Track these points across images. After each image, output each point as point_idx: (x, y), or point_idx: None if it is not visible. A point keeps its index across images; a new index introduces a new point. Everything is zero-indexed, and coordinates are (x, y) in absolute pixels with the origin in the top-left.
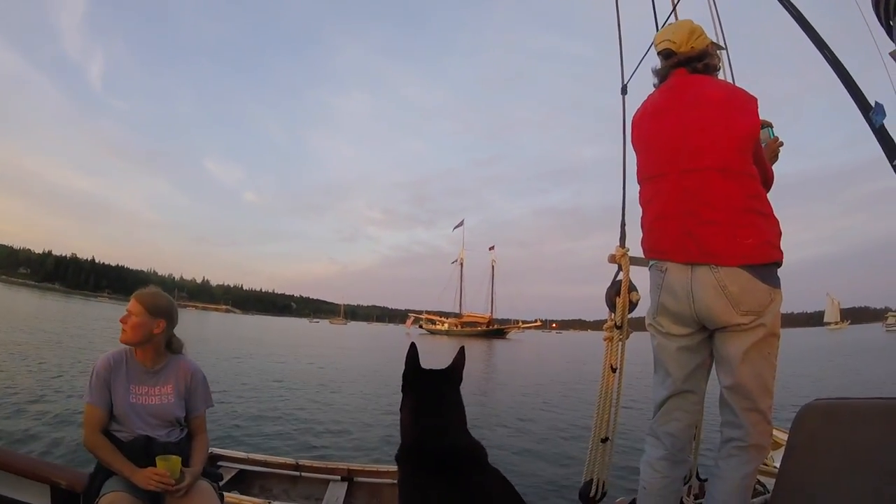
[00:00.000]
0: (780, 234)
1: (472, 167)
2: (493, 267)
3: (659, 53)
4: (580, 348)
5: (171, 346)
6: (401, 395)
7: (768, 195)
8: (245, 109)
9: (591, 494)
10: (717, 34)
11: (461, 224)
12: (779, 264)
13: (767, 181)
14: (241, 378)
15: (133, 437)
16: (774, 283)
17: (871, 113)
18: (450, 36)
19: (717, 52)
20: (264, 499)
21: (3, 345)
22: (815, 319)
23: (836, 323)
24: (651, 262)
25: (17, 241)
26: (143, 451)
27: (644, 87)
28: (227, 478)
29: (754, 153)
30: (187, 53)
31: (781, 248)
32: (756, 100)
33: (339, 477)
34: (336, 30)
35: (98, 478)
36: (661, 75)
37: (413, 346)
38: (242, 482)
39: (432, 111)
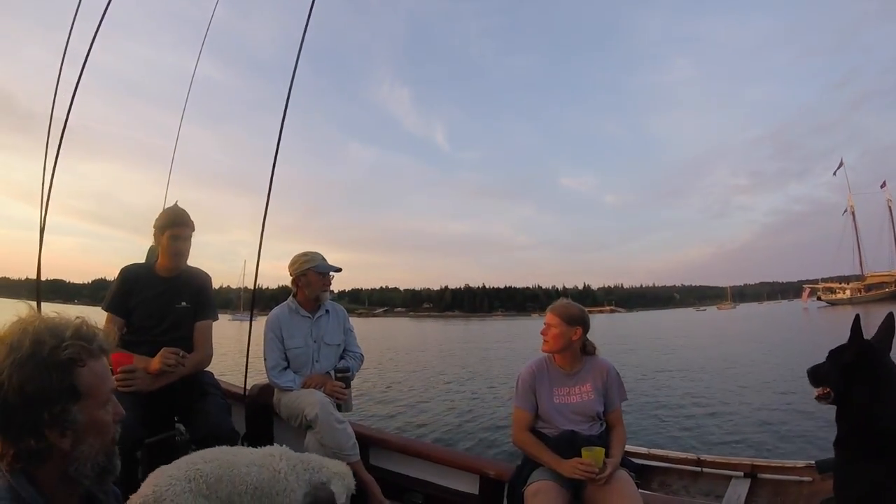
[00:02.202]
0: None
1: (830, 92)
2: (890, 208)
3: None
4: None
5: (586, 348)
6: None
7: None
8: (578, 121)
9: None
10: None
11: (841, 165)
12: None
13: None
14: (633, 373)
15: (559, 432)
16: None
17: None
18: None
19: None
20: (664, 493)
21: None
22: None
23: None
24: None
25: (418, 284)
26: (569, 445)
27: None
28: None
29: None
30: (506, 95)
31: None
32: None
33: (741, 473)
34: (628, 6)
35: (525, 469)
36: None
37: (857, 320)
38: (643, 477)
39: (762, 46)
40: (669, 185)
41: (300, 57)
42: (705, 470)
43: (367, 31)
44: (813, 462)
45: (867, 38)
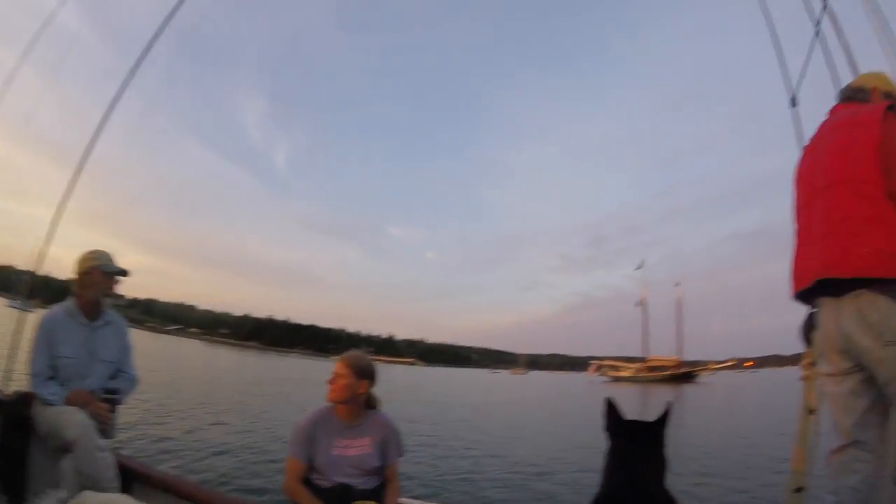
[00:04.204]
0: None
1: (648, 200)
2: (679, 305)
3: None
4: (777, 388)
5: (370, 402)
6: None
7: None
8: (419, 175)
9: None
10: (876, 14)
11: (642, 264)
12: None
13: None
14: (419, 427)
15: (332, 485)
16: None
17: None
18: (606, 69)
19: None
20: None
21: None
22: None
23: None
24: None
25: (219, 306)
26: (341, 499)
27: (814, 95)
28: None
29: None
30: (361, 132)
31: None
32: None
33: None
34: (492, 88)
35: None
36: None
37: (610, 401)
38: None
39: (599, 149)
40: (488, 253)
41: (164, 30)
42: None
43: (244, 26)
44: None
45: (691, 163)
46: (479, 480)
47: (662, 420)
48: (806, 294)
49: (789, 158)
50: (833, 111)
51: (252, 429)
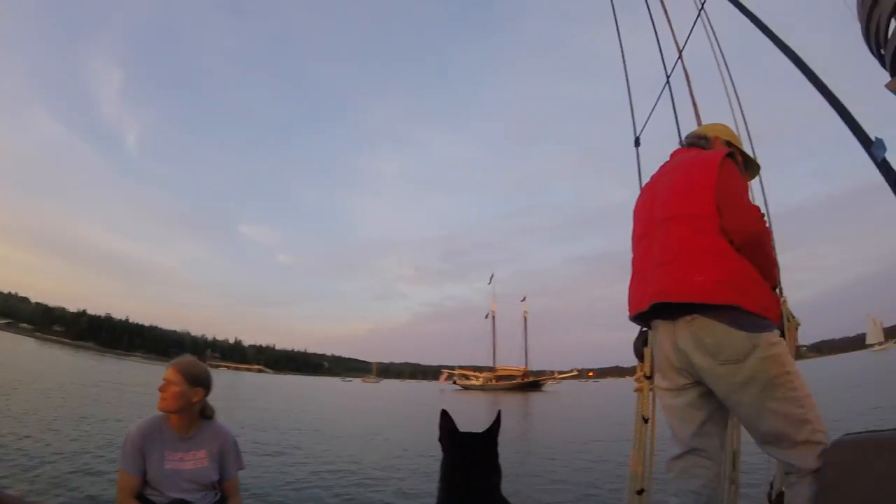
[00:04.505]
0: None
1: (502, 219)
2: (525, 318)
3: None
4: (617, 397)
5: (205, 412)
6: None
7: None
8: (279, 174)
9: None
10: (722, 75)
11: (492, 277)
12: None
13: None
14: (266, 439)
15: (168, 501)
16: (757, 328)
17: (872, 148)
18: (474, 93)
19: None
20: None
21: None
22: (857, 343)
23: (880, 344)
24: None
25: (54, 299)
26: None
27: (655, 138)
28: None
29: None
30: (222, 121)
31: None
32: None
33: None
34: (361, 93)
35: None
36: None
37: (445, 413)
38: None
39: (459, 167)
40: (344, 260)
41: None
42: None
43: None
44: None
45: (544, 187)
46: (328, 491)
47: (493, 429)
48: (642, 317)
49: (632, 193)
50: (675, 154)
51: (85, 436)
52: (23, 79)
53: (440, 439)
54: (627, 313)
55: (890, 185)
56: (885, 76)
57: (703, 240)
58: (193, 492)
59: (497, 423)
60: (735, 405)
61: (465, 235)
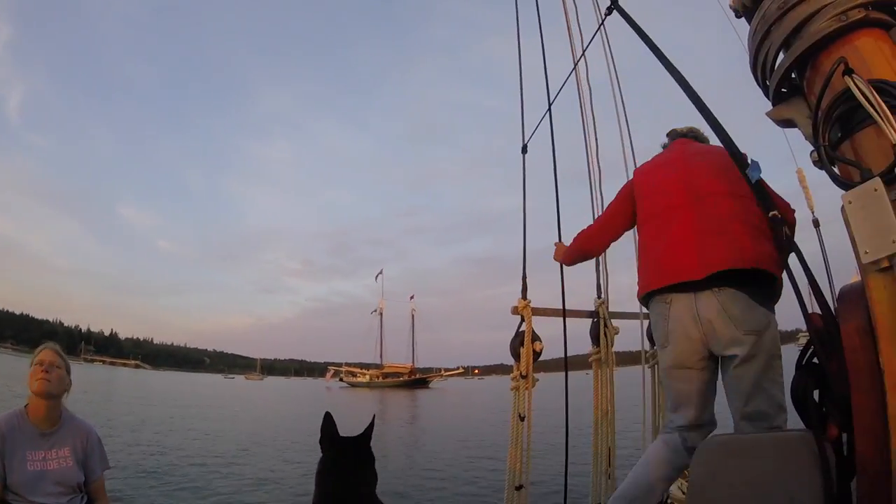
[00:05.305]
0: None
1: (393, 217)
2: (413, 316)
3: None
4: (500, 394)
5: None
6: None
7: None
8: (165, 154)
9: None
10: (614, 91)
11: (380, 273)
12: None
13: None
14: (140, 439)
15: None
16: (771, 308)
17: (748, 170)
18: (373, 90)
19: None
20: None
21: None
22: (788, 337)
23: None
24: (654, 298)
25: None
26: None
27: (541, 147)
28: None
29: None
30: (109, 91)
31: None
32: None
33: None
34: (259, 77)
35: None
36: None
37: (328, 415)
38: None
39: (354, 162)
40: (228, 250)
41: None
42: None
43: None
44: None
45: (435, 189)
46: (202, 493)
47: (367, 433)
48: (661, 290)
49: (517, 198)
50: (682, 142)
51: None
52: None
53: (320, 441)
54: (649, 286)
55: (760, 202)
56: (768, 106)
57: (752, 218)
58: (59, 495)
59: (371, 426)
60: (739, 377)
61: (355, 231)
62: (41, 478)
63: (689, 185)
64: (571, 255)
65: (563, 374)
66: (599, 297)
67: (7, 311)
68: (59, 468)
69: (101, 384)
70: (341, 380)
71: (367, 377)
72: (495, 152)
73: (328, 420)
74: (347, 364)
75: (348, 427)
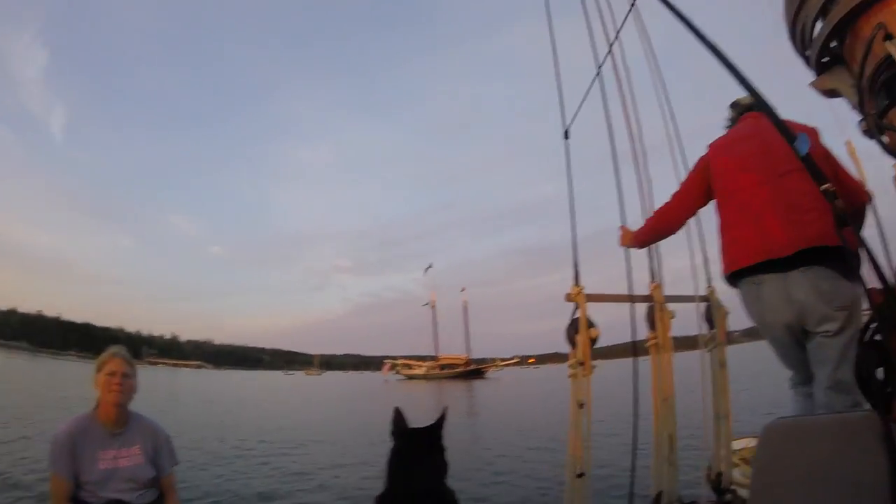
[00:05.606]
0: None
1: (437, 211)
2: (465, 307)
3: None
4: (557, 383)
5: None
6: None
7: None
8: (210, 164)
9: None
10: (651, 71)
11: (430, 267)
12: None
13: None
14: (206, 436)
15: (104, 502)
16: (856, 284)
17: (796, 143)
18: (405, 87)
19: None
20: None
21: None
22: None
23: None
24: (743, 279)
25: None
26: None
27: (584, 131)
28: None
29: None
30: (150, 108)
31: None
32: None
33: None
34: (294, 84)
35: None
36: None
37: (398, 410)
38: None
39: (393, 159)
40: (279, 251)
41: None
42: None
43: None
44: None
45: (477, 179)
46: (272, 486)
47: (439, 424)
48: (743, 272)
49: (560, 185)
50: (753, 116)
51: (23, 440)
52: None
53: (391, 433)
54: (728, 268)
55: (812, 175)
56: (811, 76)
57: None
58: (130, 491)
59: (443, 417)
60: (827, 346)
61: (400, 226)
62: (112, 475)
63: (769, 160)
64: (646, 235)
65: (615, 361)
66: (653, 280)
67: (70, 320)
68: (129, 465)
69: (165, 385)
70: (398, 372)
71: (424, 369)
72: (532, 139)
73: (398, 413)
74: (403, 357)
75: (410, 418)
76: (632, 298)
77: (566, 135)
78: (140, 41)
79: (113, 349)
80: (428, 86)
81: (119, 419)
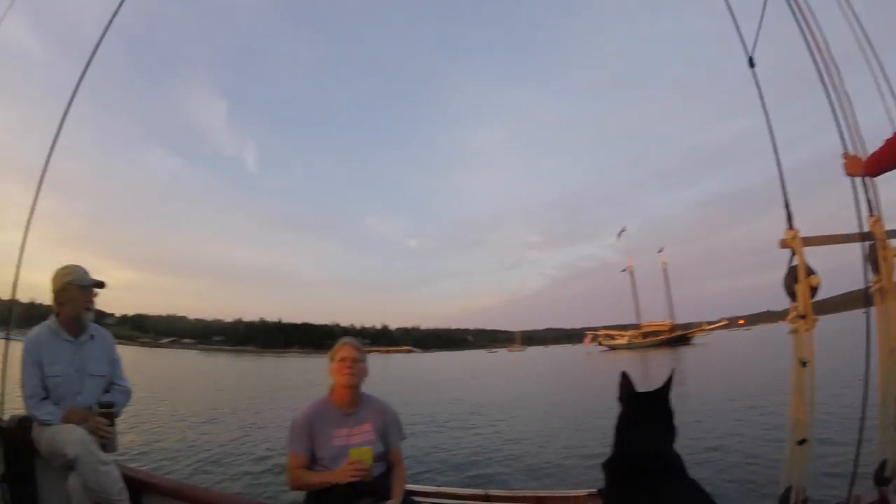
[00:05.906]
0: None
1: (619, 171)
2: (664, 270)
3: None
4: (773, 344)
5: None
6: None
7: None
8: (391, 164)
9: None
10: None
11: (623, 231)
12: None
13: None
14: (423, 413)
15: None
16: None
17: None
18: (561, 48)
19: None
20: None
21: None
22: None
23: None
24: None
25: (209, 314)
26: (351, 486)
27: (773, 54)
28: None
29: None
30: (322, 126)
31: None
32: None
33: None
34: (449, 71)
35: None
36: None
37: (625, 374)
38: None
39: (564, 125)
40: (471, 236)
41: (108, 32)
42: None
43: (193, 24)
44: (595, 490)
45: (656, 132)
46: (492, 459)
47: (666, 387)
48: None
49: (751, 119)
50: None
51: (255, 430)
52: (136, 125)
53: (620, 398)
54: None
55: None
56: None
57: None
58: None
59: (670, 381)
60: None
61: (584, 193)
62: (345, 451)
63: None
64: (885, 160)
65: (825, 318)
66: (872, 213)
67: (290, 322)
68: (362, 441)
69: (379, 370)
70: (600, 343)
71: (626, 338)
72: (707, 76)
73: (625, 378)
74: (605, 327)
75: (613, 390)
76: (861, 237)
77: (751, 62)
78: (303, 71)
79: (344, 339)
80: (586, 41)
81: (352, 400)
